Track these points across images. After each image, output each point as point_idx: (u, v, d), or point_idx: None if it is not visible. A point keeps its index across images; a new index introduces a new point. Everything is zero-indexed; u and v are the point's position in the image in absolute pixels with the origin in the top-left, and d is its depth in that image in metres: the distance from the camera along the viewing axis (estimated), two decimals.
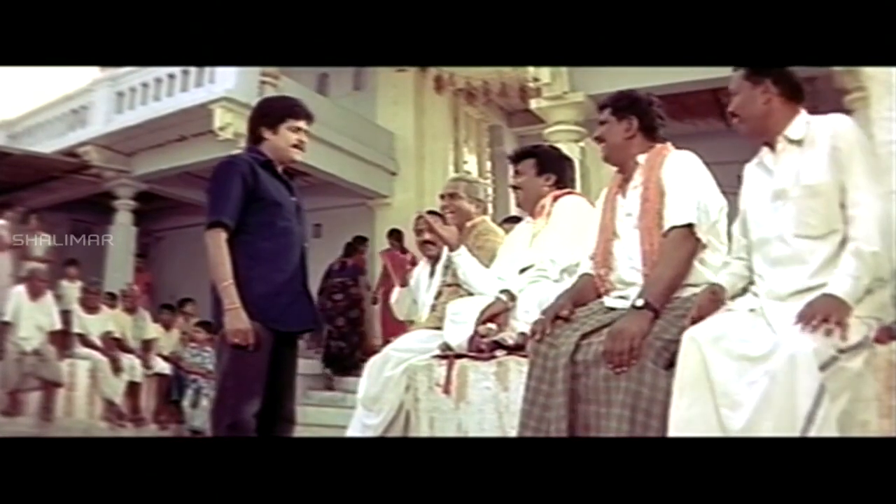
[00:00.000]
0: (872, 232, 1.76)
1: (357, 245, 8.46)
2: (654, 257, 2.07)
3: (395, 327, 7.59)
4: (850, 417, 1.64)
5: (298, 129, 2.56)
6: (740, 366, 1.71)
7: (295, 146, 2.56)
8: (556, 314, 2.14)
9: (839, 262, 1.78)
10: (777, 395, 1.62)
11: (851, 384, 1.66)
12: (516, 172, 3.03)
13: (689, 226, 2.04)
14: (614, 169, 2.33)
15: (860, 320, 1.72)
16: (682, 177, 2.12)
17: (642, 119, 2.26)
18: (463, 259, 3.02)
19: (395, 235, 8.13)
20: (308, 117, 2.60)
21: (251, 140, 2.59)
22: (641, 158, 2.22)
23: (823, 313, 1.66)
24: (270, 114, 2.56)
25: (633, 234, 2.15)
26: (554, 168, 2.97)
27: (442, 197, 3.38)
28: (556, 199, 2.86)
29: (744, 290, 1.98)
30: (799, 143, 1.91)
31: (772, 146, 1.97)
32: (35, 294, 6.31)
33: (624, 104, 2.29)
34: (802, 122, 1.93)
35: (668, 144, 2.26)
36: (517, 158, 3.05)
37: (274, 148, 2.55)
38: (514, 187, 3.06)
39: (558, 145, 6.49)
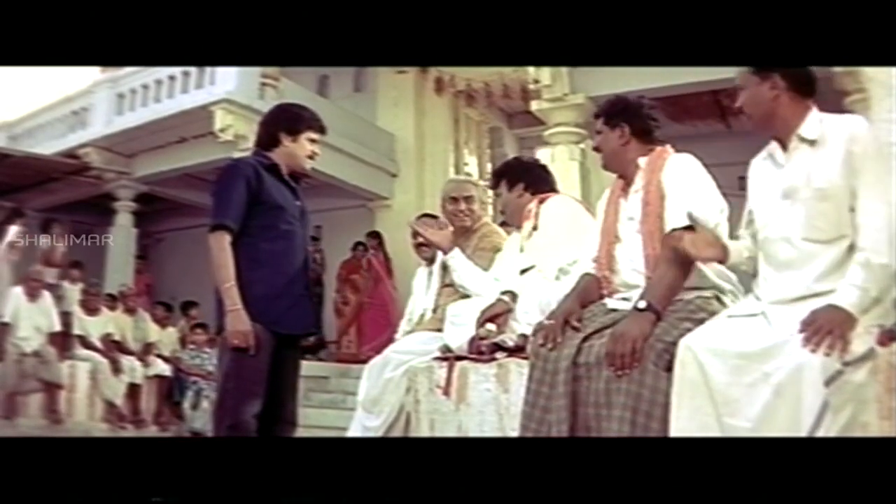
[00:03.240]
0: (882, 243, 1.70)
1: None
2: (657, 260, 2.06)
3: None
4: (852, 421, 1.60)
5: (314, 141, 2.60)
6: (736, 364, 1.68)
7: (309, 156, 2.60)
8: (565, 319, 2.10)
9: (845, 269, 1.74)
10: (781, 409, 1.60)
11: (855, 395, 1.61)
12: (497, 196, 3.09)
13: (690, 228, 2.02)
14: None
15: (865, 330, 1.68)
16: (683, 180, 2.10)
17: (633, 124, 2.25)
18: (456, 261, 3.03)
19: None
20: (324, 130, 2.66)
21: (263, 143, 2.60)
22: (642, 162, 2.21)
23: (828, 326, 1.62)
24: (294, 121, 2.58)
25: (636, 238, 2.14)
26: (521, 177, 3.00)
27: (455, 200, 3.27)
28: (541, 201, 2.87)
29: (746, 291, 1.97)
30: (812, 142, 1.86)
31: (783, 143, 1.93)
32: (32, 295, 6.31)
33: (614, 111, 2.29)
34: (816, 121, 1.88)
35: (668, 147, 2.25)
36: (494, 184, 3.10)
37: (290, 155, 2.57)
38: (502, 211, 3.13)
39: (559, 147, 6.57)
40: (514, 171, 3.07)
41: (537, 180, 3.01)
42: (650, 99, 2.38)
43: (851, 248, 1.78)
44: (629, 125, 2.25)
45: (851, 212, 1.78)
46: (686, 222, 2.01)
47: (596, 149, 2.35)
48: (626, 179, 2.26)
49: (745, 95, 1.97)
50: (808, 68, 1.94)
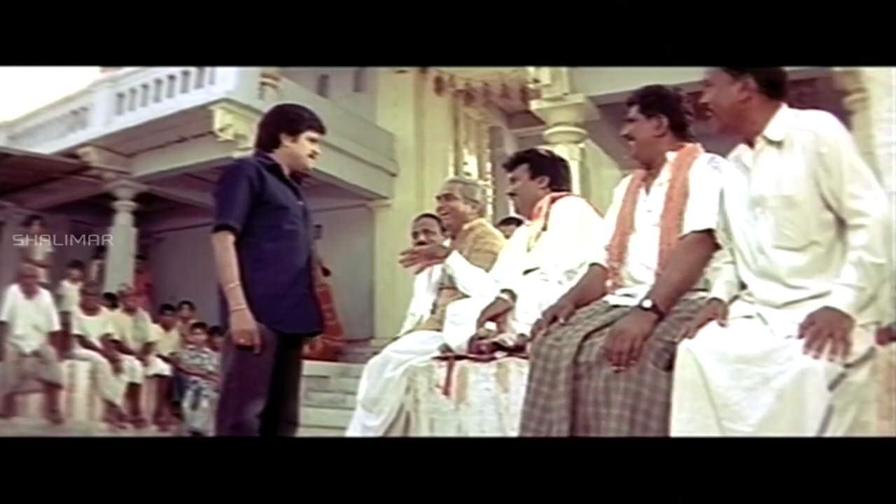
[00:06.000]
0: (875, 240, 1.67)
1: None
2: (669, 256, 2.03)
3: None
4: (854, 423, 1.60)
5: (314, 140, 2.62)
6: (736, 368, 1.67)
7: (310, 156, 2.62)
8: (553, 315, 2.11)
9: (829, 271, 1.73)
10: (783, 414, 1.59)
11: (858, 395, 1.60)
12: (512, 180, 3.02)
13: (707, 231, 1.99)
14: (616, 171, 2.32)
15: (864, 328, 1.66)
16: (708, 181, 2.06)
17: (672, 116, 2.21)
18: (454, 264, 3.04)
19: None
20: (323, 130, 2.68)
21: (263, 144, 2.62)
22: (670, 156, 2.18)
23: (827, 329, 1.59)
24: (294, 121, 2.60)
25: (652, 231, 2.11)
26: (547, 170, 2.96)
27: (438, 198, 3.39)
28: (553, 200, 2.85)
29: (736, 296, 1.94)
30: (778, 144, 1.81)
31: (750, 143, 1.89)
32: (29, 292, 6.30)
33: (652, 101, 2.23)
34: (783, 121, 1.83)
35: (699, 146, 2.21)
36: (512, 165, 3.04)
37: (291, 155, 2.59)
38: (512, 194, 3.06)
39: (558, 147, 6.56)
40: (541, 161, 3.01)
41: (561, 177, 2.99)
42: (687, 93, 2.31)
43: (829, 253, 1.75)
44: (668, 117, 2.20)
45: (828, 214, 1.74)
46: (705, 226, 2.00)
47: (627, 136, 2.27)
48: (651, 171, 2.22)
49: (713, 93, 1.92)
50: (782, 69, 1.89)
